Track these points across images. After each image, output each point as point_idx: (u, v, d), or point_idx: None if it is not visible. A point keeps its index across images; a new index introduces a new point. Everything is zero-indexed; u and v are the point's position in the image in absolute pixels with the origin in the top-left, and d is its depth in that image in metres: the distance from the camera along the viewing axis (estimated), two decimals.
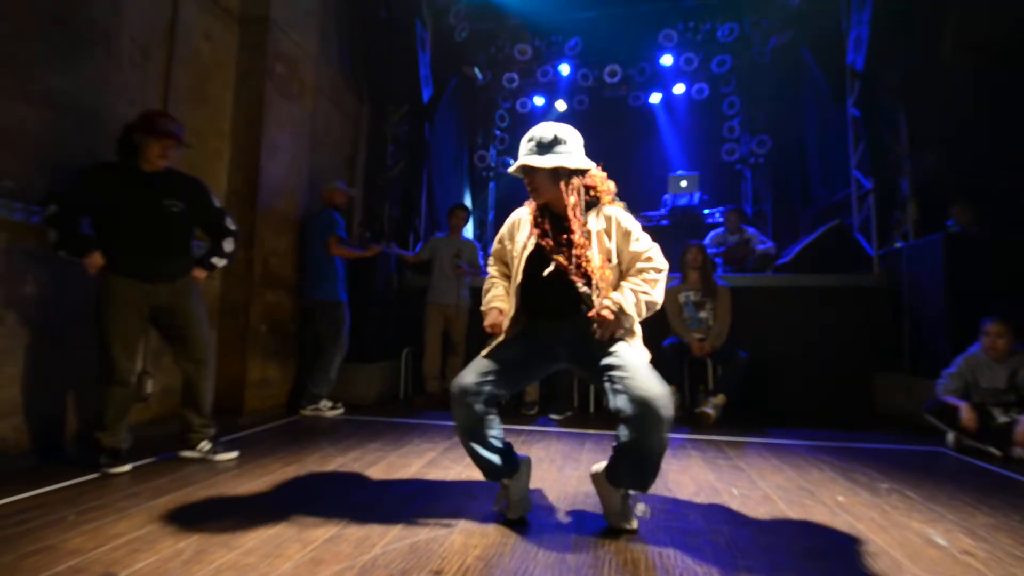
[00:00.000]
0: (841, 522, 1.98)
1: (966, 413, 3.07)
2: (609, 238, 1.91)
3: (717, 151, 7.74)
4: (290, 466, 2.59)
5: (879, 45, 4.54)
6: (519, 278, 1.94)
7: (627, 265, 1.93)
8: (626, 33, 7.10)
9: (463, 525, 1.89)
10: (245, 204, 3.82)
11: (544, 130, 1.89)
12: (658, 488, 2.36)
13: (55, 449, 2.63)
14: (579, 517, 2.00)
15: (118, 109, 2.95)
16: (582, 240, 1.85)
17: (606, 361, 1.79)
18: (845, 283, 4.55)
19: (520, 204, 2.10)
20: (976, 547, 1.78)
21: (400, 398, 4.83)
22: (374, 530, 1.82)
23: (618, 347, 1.82)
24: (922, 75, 4.52)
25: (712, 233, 5.78)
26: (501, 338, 1.94)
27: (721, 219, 6.25)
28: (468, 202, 8.17)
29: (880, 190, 4.74)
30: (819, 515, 2.05)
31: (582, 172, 1.91)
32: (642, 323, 1.97)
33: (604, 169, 1.99)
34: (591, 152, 1.96)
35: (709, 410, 3.77)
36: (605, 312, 1.78)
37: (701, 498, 2.24)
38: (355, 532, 1.80)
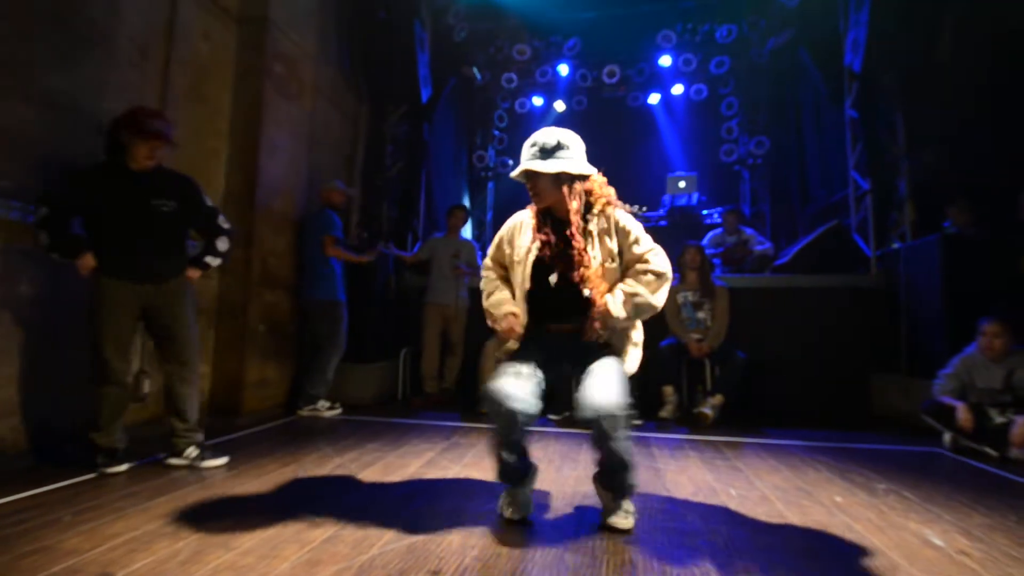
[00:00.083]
0: (838, 522, 1.99)
1: (963, 413, 3.08)
2: (611, 239, 1.93)
3: (715, 152, 7.75)
4: (288, 466, 2.59)
5: (877, 47, 4.55)
6: (527, 285, 1.95)
7: (628, 266, 1.95)
8: (625, 34, 7.11)
9: (461, 525, 1.89)
10: (243, 204, 3.82)
11: (547, 135, 1.90)
12: (656, 488, 2.36)
13: (52, 449, 2.62)
14: (577, 517, 2.00)
15: (117, 109, 2.93)
16: (581, 246, 1.88)
17: (586, 367, 1.88)
18: (842, 284, 4.56)
19: (519, 205, 2.11)
20: (972, 547, 1.78)
21: (398, 398, 4.83)
22: (372, 530, 1.82)
23: (603, 356, 1.90)
24: (920, 76, 4.53)
25: (710, 234, 5.79)
26: (514, 344, 1.97)
27: (719, 220, 6.26)
28: (466, 202, 8.17)
29: (877, 191, 4.75)
30: (816, 515, 2.06)
31: (583, 177, 1.93)
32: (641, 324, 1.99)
33: (603, 170, 2.00)
34: (590, 152, 1.97)
35: (707, 410, 3.78)
36: (593, 314, 1.86)
37: (699, 498, 2.24)
38: (353, 532, 1.80)
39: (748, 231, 5.65)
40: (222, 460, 2.60)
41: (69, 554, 1.60)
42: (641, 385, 4.00)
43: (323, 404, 3.98)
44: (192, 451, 2.57)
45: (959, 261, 3.76)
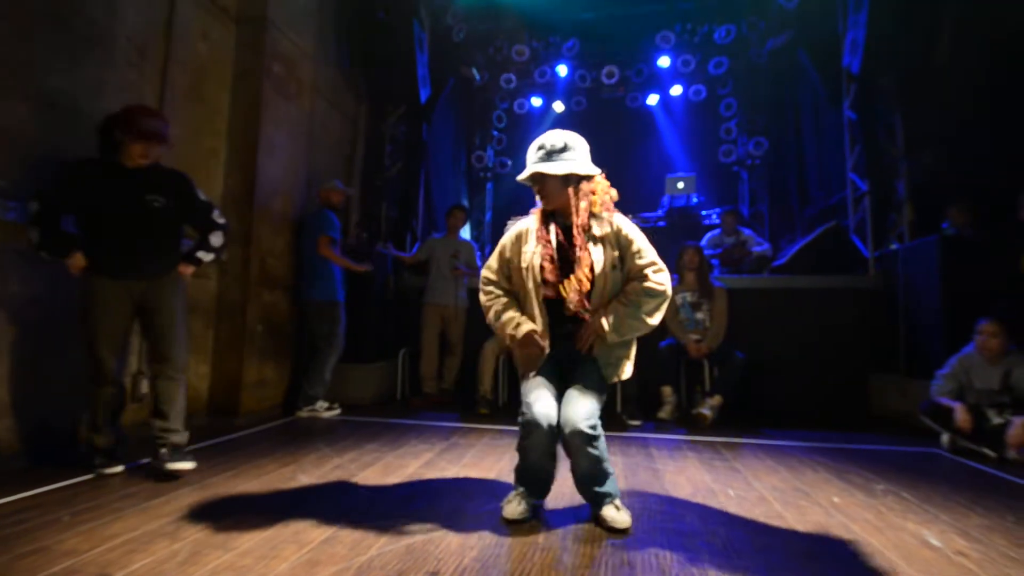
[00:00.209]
0: (836, 523, 1.99)
1: (961, 414, 3.08)
2: (613, 246, 1.94)
3: (714, 152, 7.76)
4: (287, 467, 2.59)
5: (875, 48, 4.56)
6: (542, 292, 1.96)
7: (629, 275, 1.97)
8: (624, 34, 7.12)
9: (460, 526, 1.89)
10: (242, 204, 3.81)
11: (553, 137, 1.92)
12: (655, 489, 2.37)
13: (49, 450, 2.61)
14: (576, 518, 2.00)
15: (115, 108, 2.93)
16: (585, 249, 1.90)
17: (572, 376, 1.97)
18: (841, 285, 4.57)
19: (518, 205, 2.11)
20: (970, 548, 1.79)
21: (397, 399, 4.83)
22: (370, 531, 1.82)
23: (588, 367, 1.96)
24: (918, 78, 4.54)
25: (709, 235, 5.80)
26: (540, 363, 1.99)
27: (718, 220, 6.27)
28: (465, 203, 8.17)
29: (876, 192, 4.76)
30: (814, 516, 2.06)
31: (589, 178, 1.95)
32: None
33: (604, 171, 2.01)
34: (589, 153, 1.97)
35: (706, 411, 3.78)
36: (588, 330, 1.94)
37: (697, 499, 2.24)
38: (352, 533, 1.80)
39: (746, 232, 5.66)
40: (188, 465, 2.41)
41: (67, 555, 1.60)
42: (640, 386, 4.01)
43: (322, 404, 3.98)
44: (164, 452, 2.41)
45: (957, 262, 3.77)
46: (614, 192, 1.99)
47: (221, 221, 2.65)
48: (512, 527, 1.90)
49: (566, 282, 1.92)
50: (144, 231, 2.45)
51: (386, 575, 1.52)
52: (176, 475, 2.37)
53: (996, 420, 3.05)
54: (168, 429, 2.46)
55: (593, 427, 1.85)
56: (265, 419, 3.76)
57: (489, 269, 2.10)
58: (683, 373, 4.35)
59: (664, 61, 7.29)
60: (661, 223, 6.80)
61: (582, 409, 1.85)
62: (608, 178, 2.03)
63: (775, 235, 6.89)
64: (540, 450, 1.95)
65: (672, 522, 1.98)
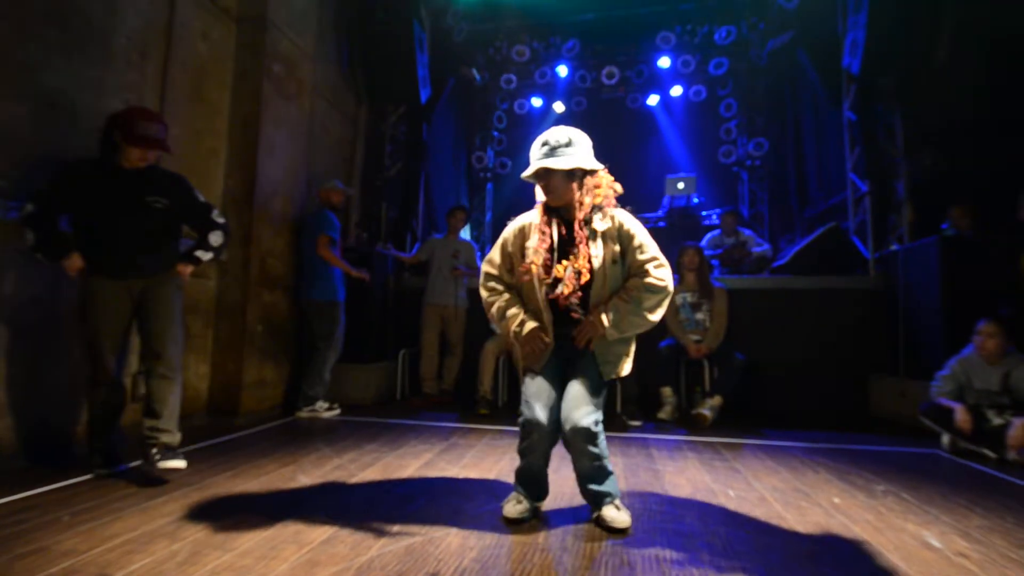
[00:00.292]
0: (837, 524, 1.99)
1: (961, 415, 3.08)
2: (614, 240, 1.94)
3: (714, 153, 7.77)
4: (287, 467, 2.58)
5: (875, 48, 4.56)
6: (545, 290, 1.95)
7: (630, 271, 1.97)
8: (624, 35, 7.13)
9: (460, 527, 1.89)
10: (242, 204, 3.81)
11: (557, 133, 1.92)
12: (655, 489, 2.36)
13: (48, 450, 2.61)
14: (576, 518, 2.00)
15: (115, 109, 2.93)
16: (586, 244, 1.90)
17: (572, 372, 1.96)
18: (841, 285, 4.57)
19: (519, 206, 2.11)
20: (971, 549, 1.78)
21: (397, 399, 4.83)
22: (370, 532, 1.82)
23: (587, 364, 1.96)
24: (918, 78, 4.54)
25: (709, 235, 5.80)
26: (543, 359, 1.99)
27: (717, 221, 6.27)
28: (465, 203, 8.17)
29: (876, 193, 4.76)
30: (815, 517, 2.06)
31: (593, 172, 1.96)
32: None
33: (606, 168, 2.01)
34: None
35: (705, 412, 3.78)
36: (586, 327, 1.93)
37: (697, 500, 2.24)
38: (352, 534, 1.80)
39: (746, 232, 5.67)
40: (180, 462, 2.32)
41: (66, 555, 1.59)
42: (640, 386, 4.01)
43: (322, 405, 3.97)
44: (155, 452, 2.32)
45: (957, 263, 3.77)
46: (618, 186, 1.99)
47: (220, 221, 2.64)
48: (512, 527, 1.90)
49: (558, 266, 1.91)
50: (143, 232, 2.43)
51: (386, 575, 1.52)
52: (159, 480, 2.29)
53: (996, 421, 3.05)
54: (159, 428, 2.37)
55: (595, 424, 1.86)
56: (265, 419, 3.75)
57: (491, 264, 2.08)
58: (683, 374, 4.35)
59: (664, 62, 7.30)
60: (661, 223, 6.81)
61: (583, 406, 1.86)
62: None
63: (775, 236, 6.90)
64: (540, 451, 1.96)
65: (672, 522, 1.98)
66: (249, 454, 2.80)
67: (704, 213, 6.98)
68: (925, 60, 4.47)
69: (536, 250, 1.93)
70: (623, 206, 2.04)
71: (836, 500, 2.26)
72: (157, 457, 2.29)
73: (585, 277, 1.90)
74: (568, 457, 2.77)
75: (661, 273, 1.91)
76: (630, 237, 1.94)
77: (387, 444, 3.10)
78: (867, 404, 4.37)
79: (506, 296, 2.04)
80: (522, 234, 2.02)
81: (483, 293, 2.08)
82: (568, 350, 2.00)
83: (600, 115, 7.92)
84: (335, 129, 5.25)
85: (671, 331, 4.21)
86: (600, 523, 1.91)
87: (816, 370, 4.45)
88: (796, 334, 4.52)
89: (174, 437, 2.40)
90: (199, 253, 2.59)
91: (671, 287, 1.93)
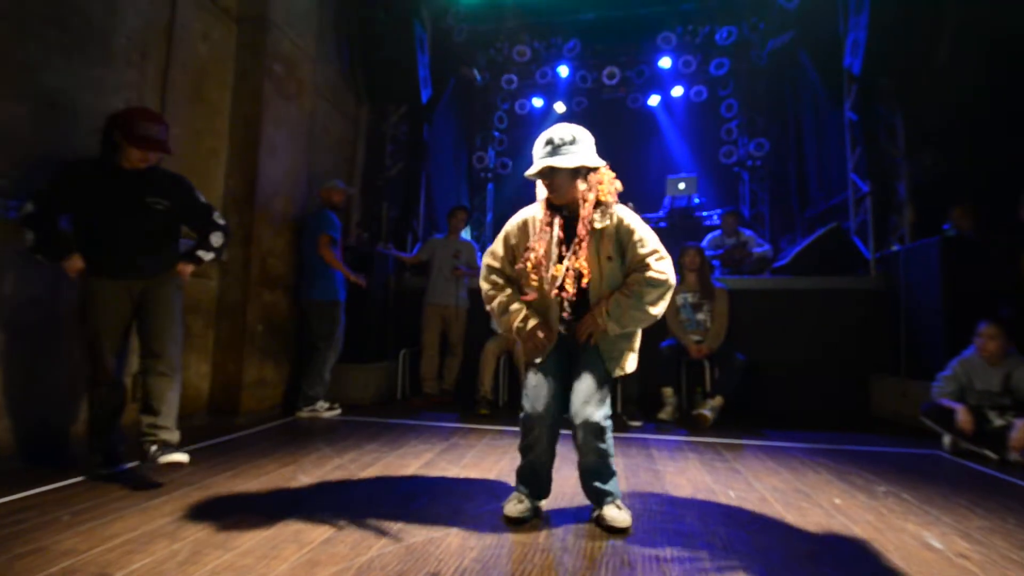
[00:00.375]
0: (837, 524, 1.99)
1: (962, 416, 3.08)
2: (614, 236, 1.94)
3: (715, 153, 7.77)
4: (287, 467, 2.58)
5: (876, 49, 4.55)
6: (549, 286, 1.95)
7: (631, 266, 1.96)
8: (625, 35, 7.13)
9: (460, 527, 1.89)
10: (243, 204, 3.81)
11: (561, 131, 1.92)
12: (655, 489, 2.36)
13: (48, 450, 2.61)
14: (576, 518, 2.00)
15: (115, 108, 2.93)
16: (585, 244, 1.90)
17: (577, 370, 1.96)
18: (842, 286, 4.57)
19: (520, 206, 2.10)
20: (971, 550, 1.78)
21: (397, 399, 4.83)
22: (371, 531, 1.82)
23: (592, 357, 1.96)
24: (919, 79, 4.54)
25: (709, 236, 5.80)
26: (545, 354, 1.99)
27: (718, 222, 6.27)
28: (466, 203, 8.17)
29: (877, 193, 4.75)
30: (815, 517, 2.06)
31: (595, 169, 1.96)
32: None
33: (608, 166, 2.01)
34: None
35: (706, 412, 3.78)
36: (587, 322, 1.95)
37: (698, 500, 2.24)
38: (352, 534, 1.80)
39: (747, 233, 5.66)
40: (182, 456, 2.29)
41: (66, 555, 1.59)
42: (641, 387, 4.01)
43: (322, 404, 3.97)
44: (155, 449, 2.29)
45: (958, 263, 3.76)
46: (618, 184, 1.99)
47: (221, 222, 2.64)
48: (513, 527, 1.90)
49: (559, 264, 1.92)
50: (144, 232, 2.43)
51: (386, 575, 1.52)
52: (156, 483, 2.26)
53: (997, 422, 3.04)
54: (158, 426, 2.33)
55: (604, 419, 1.88)
56: (265, 419, 3.76)
57: (493, 256, 2.06)
58: (684, 374, 4.35)
59: (665, 62, 7.30)
60: (662, 224, 6.81)
61: (593, 401, 1.88)
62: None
63: (776, 236, 6.90)
64: (543, 446, 1.96)
65: (673, 523, 1.98)
66: (249, 454, 2.80)
67: (705, 213, 6.97)
68: (926, 60, 4.47)
69: (537, 247, 1.93)
70: (624, 203, 2.04)
71: (837, 501, 2.26)
72: (157, 453, 2.27)
73: (586, 278, 1.90)
74: (568, 457, 2.77)
75: (662, 266, 1.91)
76: (630, 232, 1.94)
77: (387, 444, 3.10)
78: (868, 405, 4.37)
79: (508, 291, 2.03)
80: (525, 228, 2.01)
81: (484, 286, 2.07)
82: (570, 345, 2.00)
83: (601, 115, 7.92)
84: (336, 129, 5.25)
85: (672, 331, 4.21)
86: (600, 522, 1.91)
87: (817, 371, 4.44)
88: (797, 334, 4.52)
89: (173, 435, 2.37)
90: (201, 253, 2.59)
91: (672, 280, 1.92)
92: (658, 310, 1.92)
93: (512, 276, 2.05)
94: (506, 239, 2.05)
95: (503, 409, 4.38)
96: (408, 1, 5.59)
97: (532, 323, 1.96)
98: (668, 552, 1.72)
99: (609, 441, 1.92)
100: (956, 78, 4.29)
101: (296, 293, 4.22)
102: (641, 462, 2.82)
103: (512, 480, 2.11)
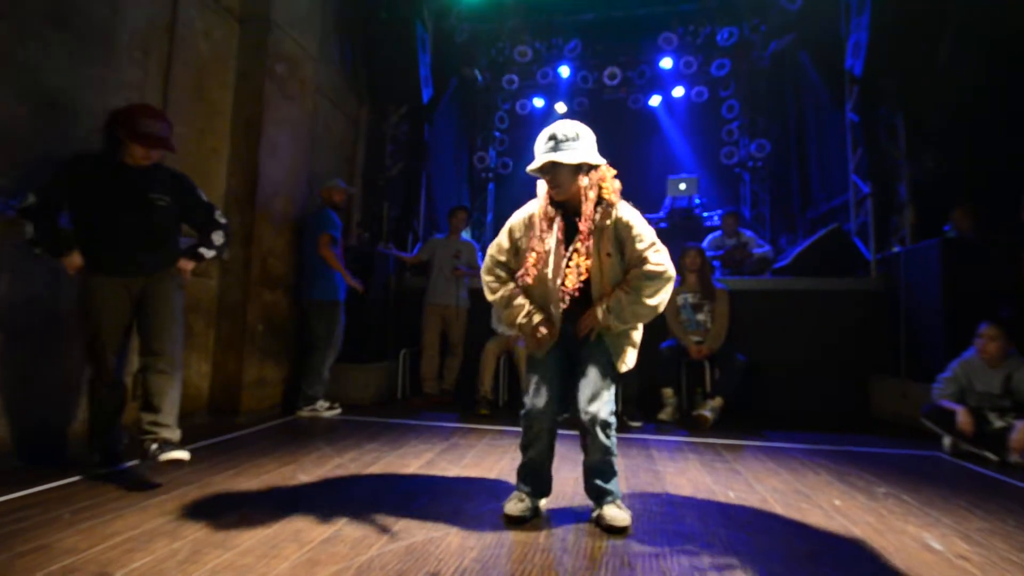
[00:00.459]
0: (837, 526, 1.99)
1: (963, 417, 3.08)
2: (614, 232, 1.94)
3: (716, 154, 7.77)
4: (287, 466, 2.58)
5: (878, 50, 4.55)
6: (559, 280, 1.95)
7: (630, 262, 1.96)
8: (626, 36, 7.13)
9: (460, 526, 1.89)
10: (244, 203, 3.82)
11: (564, 127, 1.92)
12: (655, 490, 2.36)
13: (48, 449, 2.61)
14: (576, 518, 2.00)
15: (117, 108, 2.94)
16: (588, 238, 1.90)
17: (581, 363, 1.97)
18: (843, 287, 4.57)
19: (520, 206, 2.10)
20: (971, 552, 1.78)
21: (398, 399, 4.83)
22: (371, 531, 1.82)
23: (596, 352, 1.96)
24: (920, 80, 4.54)
25: (710, 237, 5.80)
26: (545, 349, 2.00)
27: (719, 223, 6.27)
28: (467, 203, 8.17)
29: (878, 195, 4.75)
30: (815, 519, 2.06)
31: (596, 167, 1.96)
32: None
33: (609, 164, 2.02)
34: None
35: (706, 413, 3.78)
36: (587, 318, 1.95)
37: (698, 500, 2.24)
38: (352, 533, 1.80)
39: (747, 233, 5.66)
40: (183, 453, 2.26)
41: (67, 553, 1.59)
42: (641, 387, 4.01)
43: (322, 404, 3.98)
44: (155, 447, 2.25)
45: (959, 265, 3.76)
46: (617, 183, 1.99)
47: (223, 221, 2.63)
48: (513, 527, 1.90)
49: (560, 262, 1.92)
50: (145, 229, 2.42)
51: (386, 575, 1.52)
52: (154, 484, 2.24)
53: (998, 423, 3.04)
54: (158, 423, 2.30)
55: (610, 415, 1.90)
56: (265, 418, 3.76)
57: (498, 249, 2.05)
58: (684, 375, 4.35)
59: (666, 62, 7.30)
60: (663, 224, 6.81)
61: (599, 397, 1.89)
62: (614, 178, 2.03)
63: (776, 237, 6.89)
64: (543, 443, 1.97)
65: (672, 523, 1.98)
66: (250, 453, 2.81)
67: (706, 214, 6.97)
68: (927, 61, 4.47)
69: (538, 243, 1.94)
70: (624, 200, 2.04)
71: (837, 502, 2.26)
72: (157, 451, 2.23)
73: (585, 274, 1.90)
74: (568, 456, 2.77)
75: (658, 258, 1.90)
76: (628, 227, 1.94)
77: (388, 444, 3.10)
78: (868, 406, 4.37)
79: (511, 285, 2.03)
80: (529, 223, 2.01)
81: (488, 278, 2.06)
82: (571, 342, 2.01)
83: (602, 116, 7.91)
84: (337, 129, 5.25)
85: (672, 332, 4.21)
86: (600, 522, 1.91)
87: (817, 371, 4.44)
88: (797, 335, 4.52)
89: (174, 433, 2.34)
90: (202, 250, 2.58)
91: (671, 272, 1.91)
92: (656, 301, 1.90)
93: (515, 270, 2.05)
94: (510, 232, 2.05)
95: (503, 409, 4.38)
96: (410, 1, 5.59)
97: (536, 318, 1.97)
98: (668, 552, 1.72)
99: (613, 437, 1.94)
100: (957, 79, 4.29)
101: (296, 293, 4.22)
102: (641, 463, 2.82)
103: (512, 480, 2.11)
